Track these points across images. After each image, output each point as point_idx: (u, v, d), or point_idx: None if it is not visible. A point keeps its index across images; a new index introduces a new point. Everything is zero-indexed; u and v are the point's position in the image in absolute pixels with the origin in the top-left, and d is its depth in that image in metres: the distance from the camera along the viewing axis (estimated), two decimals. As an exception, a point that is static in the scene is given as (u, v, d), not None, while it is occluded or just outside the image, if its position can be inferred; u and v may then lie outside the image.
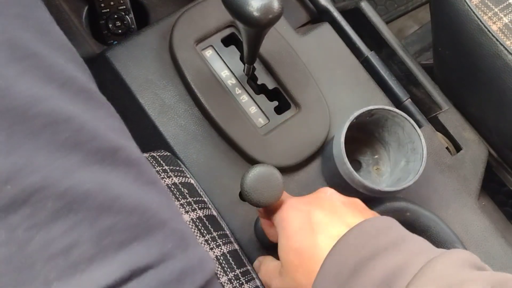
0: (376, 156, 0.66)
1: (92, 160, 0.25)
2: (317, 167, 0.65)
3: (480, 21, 0.60)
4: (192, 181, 0.52)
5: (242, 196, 0.61)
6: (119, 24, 0.72)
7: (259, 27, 0.51)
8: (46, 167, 0.24)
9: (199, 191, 0.52)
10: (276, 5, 0.50)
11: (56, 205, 0.23)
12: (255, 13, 0.49)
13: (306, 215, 0.46)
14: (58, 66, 0.26)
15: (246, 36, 0.55)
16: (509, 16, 0.59)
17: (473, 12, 0.60)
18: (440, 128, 0.72)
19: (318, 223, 0.44)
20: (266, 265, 0.52)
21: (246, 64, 0.62)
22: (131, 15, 0.73)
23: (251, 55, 0.60)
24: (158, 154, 0.52)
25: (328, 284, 0.40)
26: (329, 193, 0.49)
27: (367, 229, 0.42)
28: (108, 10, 0.71)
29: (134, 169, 0.27)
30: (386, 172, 0.65)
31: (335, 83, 0.68)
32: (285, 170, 0.62)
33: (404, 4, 1.19)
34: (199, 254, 0.29)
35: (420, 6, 1.20)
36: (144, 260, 0.25)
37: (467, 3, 0.60)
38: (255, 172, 0.47)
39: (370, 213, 0.48)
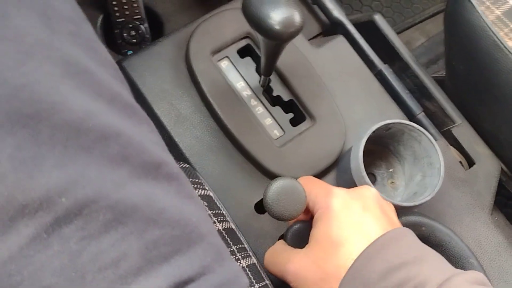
0: (390, 170, 0.66)
1: (138, 174, 0.26)
2: (332, 179, 0.64)
3: (496, 37, 0.60)
4: (211, 194, 0.52)
5: (261, 208, 0.60)
6: (134, 33, 0.72)
7: (279, 40, 0.51)
8: (98, 181, 0.24)
9: (217, 203, 0.52)
10: (297, 18, 0.50)
11: (106, 218, 0.24)
12: (276, 26, 0.49)
13: (350, 209, 0.46)
14: (106, 82, 0.27)
15: (265, 48, 0.55)
16: (526, 32, 0.60)
17: (489, 28, 0.60)
18: (453, 142, 0.72)
19: (359, 221, 0.45)
20: (275, 247, 0.51)
21: (262, 76, 0.62)
22: (146, 24, 0.73)
23: (269, 67, 0.60)
24: (179, 166, 0.51)
25: (356, 284, 0.41)
26: (373, 192, 0.50)
27: (397, 238, 0.44)
28: (123, 19, 0.71)
29: (175, 183, 0.28)
30: (400, 186, 0.64)
31: (349, 95, 0.69)
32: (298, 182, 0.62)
33: (411, 17, 1.19)
34: (235, 268, 0.29)
35: (428, 19, 1.21)
36: (186, 273, 0.25)
37: (483, 19, 0.61)
38: (278, 185, 0.47)
39: (398, 222, 0.50)
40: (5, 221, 0.23)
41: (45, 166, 0.23)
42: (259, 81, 0.64)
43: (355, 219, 0.45)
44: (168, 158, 0.29)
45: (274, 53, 0.56)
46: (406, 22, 1.19)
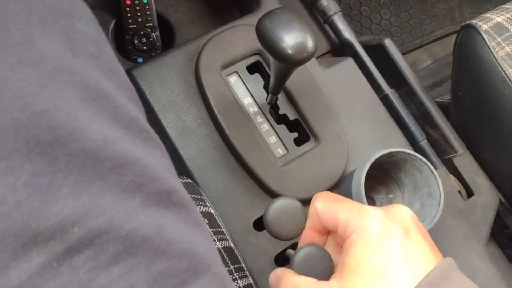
0: (390, 196, 0.66)
1: (150, 203, 0.26)
2: (331, 201, 0.65)
3: (505, 73, 0.61)
4: (212, 211, 0.52)
5: (259, 226, 0.61)
6: (145, 40, 0.72)
7: (291, 64, 0.52)
8: (111, 210, 0.24)
9: (218, 221, 0.52)
10: (310, 44, 0.51)
11: (117, 248, 0.24)
12: (289, 51, 0.50)
13: (390, 234, 0.39)
14: (123, 107, 0.27)
15: (276, 69, 0.55)
16: (534, 71, 0.60)
17: (499, 64, 0.61)
18: (453, 171, 0.72)
19: (402, 250, 0.39)
20: (292, 281, 0.43)
21: (270, 94, 0.63)
22: (157, 32, 0.73)
23: (277, 87, 0.60)
24: (182, 181, 0.52)
25: None
26: (410, 214, 0.43)
27: (448, 276, 0.38)
28: (135, 26, 0.72)
29: (184, 211, 0.28)
30: (399, 213, 0.65)
31: (354, 118, 0.69)
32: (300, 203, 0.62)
33: (419, 38, 1.20)
34: None
35: (435, 41, 1.21)
36: None
37: (493, 55, 0.61)
38: (279, 204, 0.48)
39: (435, 247, 0.44)
40: (17, 248, 0.23)
41: (60, 194, 0.24)
42: (266, 99, 0.64)
43: (397, 247, 0.39)
44: (178, 184, 0.29)
45: (284, 74, 0.56)
46: (414, 43, 1.20)
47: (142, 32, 0.72)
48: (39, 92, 0.25)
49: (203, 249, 0.28)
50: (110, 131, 0.26)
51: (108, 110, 0.26)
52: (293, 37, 0.50)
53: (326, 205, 0.44)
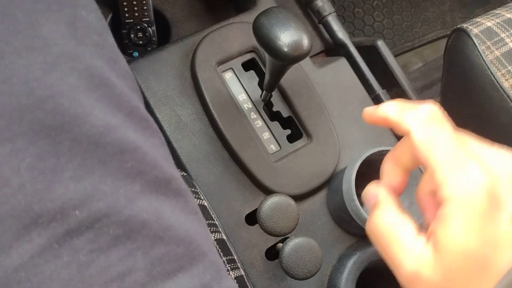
0: (379, 193, 0.67)
1: (150, 189, 0.27)
2: (322, 198, 0.66)
3: (494, 76, 0.62)
4: (205, 203, 0.53)
5: (251, 220, 0.62)
6: (141, 35, 0.73)
7: (286, 61, 0.53)
8: (112, 195, 0.25)
9: (211, 213, 0.53)
10: (305, 42, 0.52)
11: (116, 232, 0.25)
12: (285, 48, 0.51)
13: (499, 210, 0.31)
14: (125, 95, 0.28)
15: (271, 67, 0.56)
16: (521, 75, 0.62)
17: (488, 67, 0.63)
18: (441, 171, 0.74)
19: (507, 235, 0.31)
20: (391, 219, 0.34)
21: (264, 91, 0.64)
22: (154, 27, 0.74)
23: (272, 84, 0.61)
24: (176, 174, 0.53)
25: None
26: None
27: None
28: (131, 20, 0.72)
29: (182, 199, 0.29)
30: (388, 210, 0.66)
31: (346, 117, 0.70)
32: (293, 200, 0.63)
33: (411, 41, 1.22)
34: (231, 286, 0.30)
35: (426, 44, 1.23)
36: None
37: (482, 58, 0.63)
38: (273, 201, 0.49)
39: None
40: (19, 229, 0.23)
41: (63, 177, 0.24)
42: (261, 95, 0.65)
43: (505, 228, 0.31)
44: (176, 173, 0.30)
45: (279, 72, 0.57)
46: (405, 46, 1.21)
47: (138, 27, 0.73)
48: (45, 78, 0.25)
49: (199, 237, 0.29)
50: (112, 118, 0.26)
51: (110, 98, 0.27)
52: (289, 35, 0.51)
53: (427, 134, 0.32)
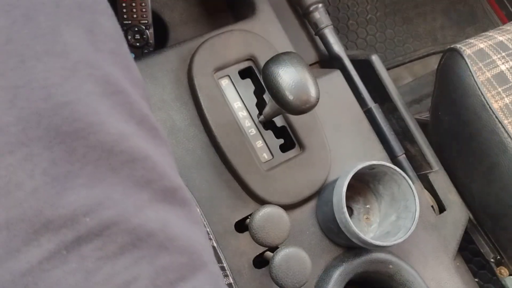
0: (367, 206, 0.69)
1: (157, 199, 0.27)
2: (311, 208, 0.67)
3: (484, 97, 0.64)
4: (198, 210, 0.53)
5: (240, 227, 0.62)
6: (138, 37, 0.73)
7: (294, 113, 0.54)
8: (121, 203, 0.25)
9: (203, 220, 0.53)
10: (314, 96, 0.53)
11: (124, 240, 0.25)
12: (294, 102, 0.53)
13: None
14: (137, 104, 0.28)
15: (274, 108, 0.58)
16: (511, 97, 0.64)
17: (478, 88, 0.64)
18: (428, 186, 0.75)
19: None
20: None
21: (263, 116, 0.64)
22: (151, 30, 0.74)
23: (271, 117, 0.63)
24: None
25: None
26: None
27: None
28: (130, 22, 0.72)
29: (186, 208, 0.29)
30: (375, 223, 0.67)
31: (338, 129, 0.71)
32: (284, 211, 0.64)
33: (402, 55, 1.24)
34: None
35: (416, 60, 1.25)
36: None
37: (474, 79, 0.64)
38: (265, 212, 0.49)
39: None
40: (29, 234, 0.24)
41: (76, 184, 0.24)
42: (256, 104, 0.66)
43: None
44: (181, 182, 0.30)
45: (280, 113, 0.58)
46: (397, 60, 1.23)
47: (136, 29, 0.73)
48: (63, 83, 0.25)
49: (201, 247, 0.29)
50: (125, 126, 0.27)
51: (124, 106, 0.27)
52: (298, 89, 0.52)
53: None
